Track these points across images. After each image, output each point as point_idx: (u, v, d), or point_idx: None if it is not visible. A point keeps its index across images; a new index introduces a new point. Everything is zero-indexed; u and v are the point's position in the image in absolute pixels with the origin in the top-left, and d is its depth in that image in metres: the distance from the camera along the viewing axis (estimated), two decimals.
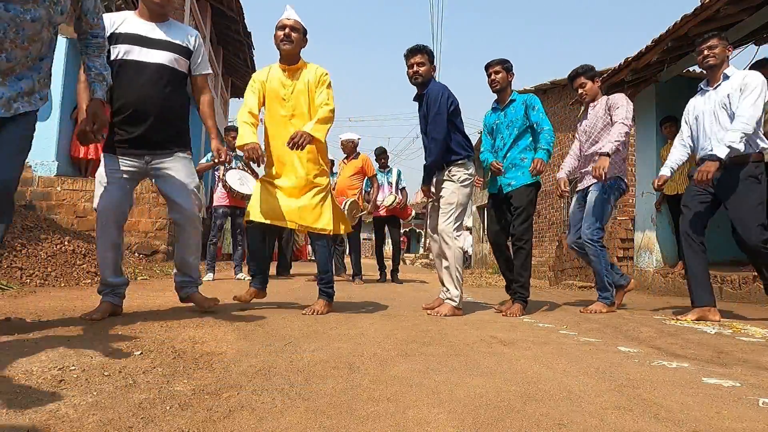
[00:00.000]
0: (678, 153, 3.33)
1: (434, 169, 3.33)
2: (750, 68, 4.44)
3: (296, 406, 1.26)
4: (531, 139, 3.44)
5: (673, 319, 3.14)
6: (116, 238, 2.58)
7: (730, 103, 3.03)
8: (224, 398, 1.30)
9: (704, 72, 3.25)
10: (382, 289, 5.17)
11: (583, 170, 3.75)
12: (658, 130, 5.61)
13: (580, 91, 3.70)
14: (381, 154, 6.67)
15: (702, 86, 3.28)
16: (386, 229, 6.70)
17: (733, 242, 5.87)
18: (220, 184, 5.81)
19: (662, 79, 5.64)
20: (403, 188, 6.66)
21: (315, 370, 1.63)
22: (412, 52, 3.26)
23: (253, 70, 13.17)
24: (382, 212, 6.43)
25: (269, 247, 3.27)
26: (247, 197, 6.11)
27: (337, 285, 5.62)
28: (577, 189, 3.77)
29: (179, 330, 2.22)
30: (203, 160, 6.06)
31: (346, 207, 5.55)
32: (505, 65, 3.45)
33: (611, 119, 3.51)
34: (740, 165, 3.00)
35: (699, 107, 3.23)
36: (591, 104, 3.73)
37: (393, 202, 6.30)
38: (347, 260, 7.36)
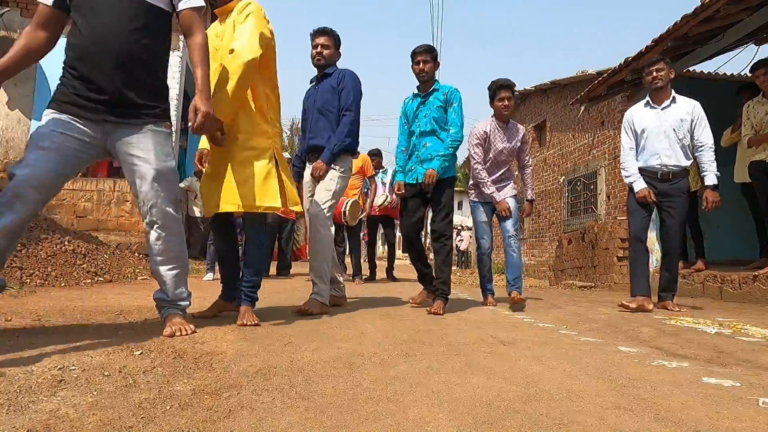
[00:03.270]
0: (635, 162, 3.68)
1: (345, 152, 3.09)
2: (750, 68, 4.46)
3: (296, 406, 1.26)
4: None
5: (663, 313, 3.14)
6: (24, 219, 1.85)
7: (681, 127, 3.49)
8: (224, 398, 1.31)
9: (652, 88, 3.62)
10: (382, 289, 5.17)
11: (497, 185, 3.79)
12: None
13: (506, 102, 3.71)
14: (375, 155, 6.67)
15: (649, 102, 3.64)
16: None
17: (733, 242, 5.87)
18: None
19: None
20: None
21: (315, 370, 1.63)
22: (317, 33, 3.15)
23: None
24: (375, 212, 6.44)
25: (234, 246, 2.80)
26: None
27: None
28: (485, 200, 3.81)
29: None
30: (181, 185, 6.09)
31: (348, 207, 5.55)
32: (433, 53, 3.41)
33: (519, 155, 3.87)
34: (678, 178, 3.54)
35: (646, 122, 3.59)
36: (503, 122, 3.78)
37: (384, 202, 6.32)
38: (347, 260, 7.36)
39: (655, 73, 3.52)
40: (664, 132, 3.50)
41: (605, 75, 5.85)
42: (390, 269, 6.72)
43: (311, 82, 3.29)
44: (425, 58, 3.38)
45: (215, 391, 1.36)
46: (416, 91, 3.53)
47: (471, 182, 3.94)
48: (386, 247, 6.97)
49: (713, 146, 3.45)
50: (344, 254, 7.38)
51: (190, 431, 1.08)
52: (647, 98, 3.67)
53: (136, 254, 6.97)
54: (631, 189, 3.66)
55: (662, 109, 3.54)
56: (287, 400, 1.31)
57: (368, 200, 6.29)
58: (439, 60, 3.46)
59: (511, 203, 3.76)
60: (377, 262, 7.08)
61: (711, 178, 3.40)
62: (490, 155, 3.78)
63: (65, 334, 2.00)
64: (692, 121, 3.48)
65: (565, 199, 10.31)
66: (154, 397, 1.28)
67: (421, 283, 3.69)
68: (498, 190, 3.76)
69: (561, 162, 10.48)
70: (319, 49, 3.13)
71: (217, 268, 5.91)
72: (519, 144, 3.82)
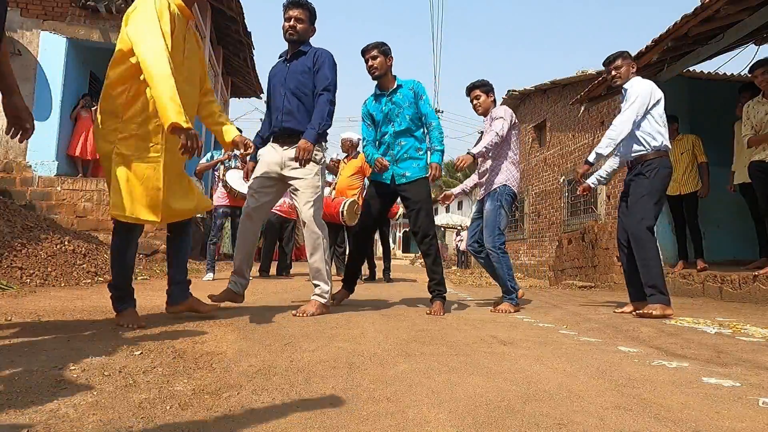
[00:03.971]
0: (608, 162, 3.67)
1: (323, 135, 2.93)
2: (749, 69, 4.45)
3: (296, 406, 1.26)
4: (423, 129, 3.39)
5: (673, 319, 3.14)
6: None
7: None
8: (224, 398, 1.31)
9: (614, 86, 3.59)
10: (382, 289, 5.17)
11: (480, 181, 3.88)
12: None
13: (474, 102, 3.80)
14: None
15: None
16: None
17: (733, 242, 5.87)
18: (220, 184, 5.83)
19: (662, 78, 5.64)
20: None
21: (315, 370, 1.63)
22: (291, 5, 2.95)
23: (254, 70, 13.14)
24: None
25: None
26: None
27: (338, 285, 5.63)
28: (477, 199, 3.94)
29: (179, 330, 2.22)
30: (203, 160, 6.10)
31: (346, 207, 5.55)
32: (382, 48, 3.30)
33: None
34: (638, 165, 3.36)
35: None
36: (484, 118, 3.85)
37: None
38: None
39: (614, 72, 3.48)
40: None
41: (605, 75, 5.84)
42: (386, 270, 6.72)
43: (280, 57, 3.11)
44: (373, 54, 3.29)
45: (215, 391, 1.36)
46: (378, 91, 3.43)
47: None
48: (382, 247, 6.96)
49: (621, 131, 3.22)
50: (344, 254, 7.38)
51: (190, 431, 1.08)
52: None
53: (136, 254, 6.96)
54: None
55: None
56: (287, 400, 1.31)
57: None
58: (391, 55, 3.35)
59: (487, 204, 3.64)
60: (376, 261, 7.07)
61: (590, 155, 3.31)
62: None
63: (65, 334, 2.00)
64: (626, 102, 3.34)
65: (565, 199, 10.30)
66: (154, 397, 1.28)
67: (344, 283, 3.54)
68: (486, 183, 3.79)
69: (561, 162, 10.47)
70: (292, 23, 2.94)
71: (216, 267, 5.94)
72: (487, 126, 3.74)
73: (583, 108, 7.77)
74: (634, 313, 3.33)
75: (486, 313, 3.33)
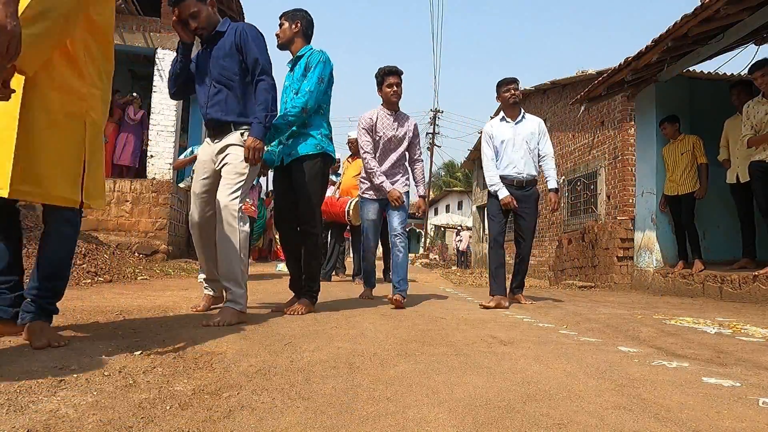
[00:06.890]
0: (496, 171, 3.87)
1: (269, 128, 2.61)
2: (750, 68, 4.46)
3: (296, 406, 1.26)
4: (321, 106, 2.98)
5: (669, 318, 3.14)
6: None
7: (532, 139, 3.88)
8: (224, 398, 1.31)
9: (509, 104, 3.90)
10: (382, 289, 5.17)
11: (389, 179, 3.78)
12: (658, 130, 5.62)
13: (395, 89, 3.76)
14: None
15: (504, 117, 3.94)
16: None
17: (732, 242, 5.89)
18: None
19: (662, 78, 5.64)
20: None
21: (315, 370, 1.63)
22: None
23: None
24: None
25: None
26: None
27: (338, 285, 5.63)
28: (373, 197, 3.81)
29: (179, 330, 2.22)
30: (182, 156, 5.91)
31: (352, 206, 5.54)
32: (288, 15, 3.04)
33: (411, 149, 3.95)
34: (531, 186, 3.89)
35: (504, 135, 3.88)
36: (392, 110, 3.83)
37: None
38: (347, 261, 7.36)
39: (513, 91, 3.85)
40: (519, 144, 3.86)
41: (605, 75, 5.85)
42: (387, 270, 6.72)
43: (202, 45, 2.76)
44: (280, 23, 3.04)
45: (215, 391, 1.36)
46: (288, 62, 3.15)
47: (362, 175, 3.87)
48: (382, 248, 6.95)
49: (554, 156, 3.95)
50: (344, 254, 7.38)
51: (190, 431, 1.08)
52: (501, 114, 3.98)
53: (136, 254, 6.98)
54: (494, 195, 3.85)
55: (516, 123, 3.89)
56: (287, 400, 1.31)
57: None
58: (298, 22, 3.01)
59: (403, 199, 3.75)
60: (376, 261, 7.07)
61: (553, 183, 3.94)
62: (380, 144, 3.73)
63: (65, 334, 2.00)
64: (539, 134, 3.92)
65: (565, 199, 10.30)
66: (154, 397, 1.28)
67: (291, 288, 3.18)
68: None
69: (561, 162, 10.47)
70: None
71: None
72: (410, 135, 3.83)
73: (583, 108, 7.78)
74: (526, 301, 3.93)
75: (486, 313, 3.33)
